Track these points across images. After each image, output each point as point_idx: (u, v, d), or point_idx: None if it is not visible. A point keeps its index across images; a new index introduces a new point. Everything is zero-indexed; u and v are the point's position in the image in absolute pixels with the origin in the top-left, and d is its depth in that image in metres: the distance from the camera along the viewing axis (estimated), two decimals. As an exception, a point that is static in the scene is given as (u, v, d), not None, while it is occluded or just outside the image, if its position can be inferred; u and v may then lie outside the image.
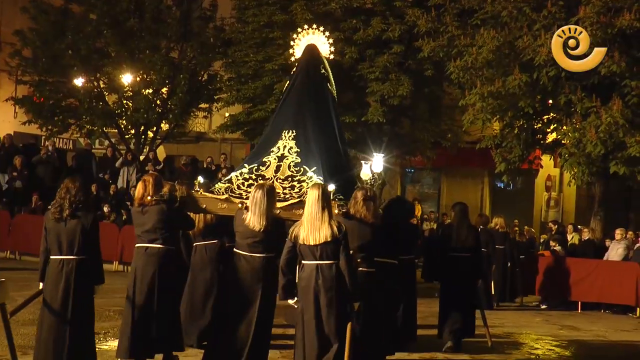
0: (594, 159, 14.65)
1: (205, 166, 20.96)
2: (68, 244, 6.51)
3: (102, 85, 22.86)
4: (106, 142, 24.28)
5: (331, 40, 9.53)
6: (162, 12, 22.48)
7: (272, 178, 7.95)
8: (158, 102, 22.57)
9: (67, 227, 6.52)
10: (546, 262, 15.29)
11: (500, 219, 15.28)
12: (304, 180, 7.87)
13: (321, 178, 7.79)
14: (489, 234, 13.93)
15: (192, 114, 23.90)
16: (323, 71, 9.15)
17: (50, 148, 21.08)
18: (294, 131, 8.36)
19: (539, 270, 15.25)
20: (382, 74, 18.62)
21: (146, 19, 22.02)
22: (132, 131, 22.90)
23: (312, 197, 6.46)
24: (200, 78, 22.96)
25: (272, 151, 8.30)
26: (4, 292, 5.01)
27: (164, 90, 22.60)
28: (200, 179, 8.38)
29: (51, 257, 6.58)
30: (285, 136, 8.36)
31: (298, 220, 6.68)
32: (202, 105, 23.51)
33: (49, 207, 6.43)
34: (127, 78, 22.16)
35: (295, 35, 9.52)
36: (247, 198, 7.28)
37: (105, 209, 17.80)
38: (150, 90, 22.47)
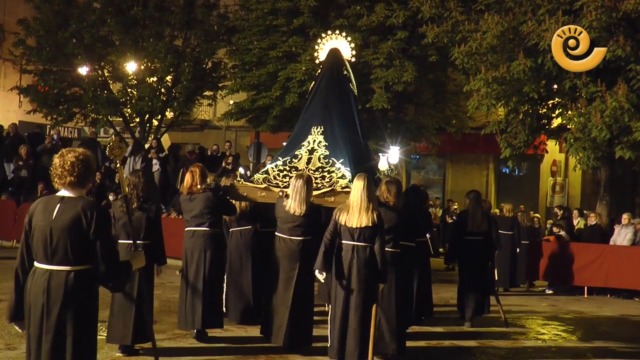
0: (599, 144, 14.59)
1: (209, 154, 20.99)
2: (135, 230, 7.17)
3: (106, 74, 22.87)
4: (111, 131, 24.32)
5: (353, 45, 10.24)
6: (166, 0, 22.40)
7: (304, 169, 8.71)
8: (162, 90, 22.51)
9: (135, 217, 7.26)
10: (552, 247, 15.30)
11: (508, 205, 15.53)
12: (333, 171, 8.62)
13: (348, 169, 8.53)
14: (492, 220, 13.98)
15: (196, 101, 23.81)
16: (345, 72, 9.93)
17: (55, 137, 21.13)
18: (322, 127, 9.17)
19: (544, 255, 15.27)
20: (386, 60, 18.52)
21: (150, 7, 21.93)
22: (137, 119, 22.87)
23: (359, 186, 7.16)
24: (204, 66, 22.87)
25: (303, 145, 9.09)
26: (141, 259, 5.29)
27: (169, 78, 22.54)
28: (241, 170, 9.25)
29: (119, 241, 7.33)
30: (314, 131, 9.17)
31: (329, 207, 7.69)
32: (207, 93, 23.45)
33: (116, 198, 7.18)
34: (131, 66, 22.14)
35: (319, 40, 10.23)
36: (285, 187, 8.27)
37: (111, 197, 17.82)
38: (155, 79, 22.40)
